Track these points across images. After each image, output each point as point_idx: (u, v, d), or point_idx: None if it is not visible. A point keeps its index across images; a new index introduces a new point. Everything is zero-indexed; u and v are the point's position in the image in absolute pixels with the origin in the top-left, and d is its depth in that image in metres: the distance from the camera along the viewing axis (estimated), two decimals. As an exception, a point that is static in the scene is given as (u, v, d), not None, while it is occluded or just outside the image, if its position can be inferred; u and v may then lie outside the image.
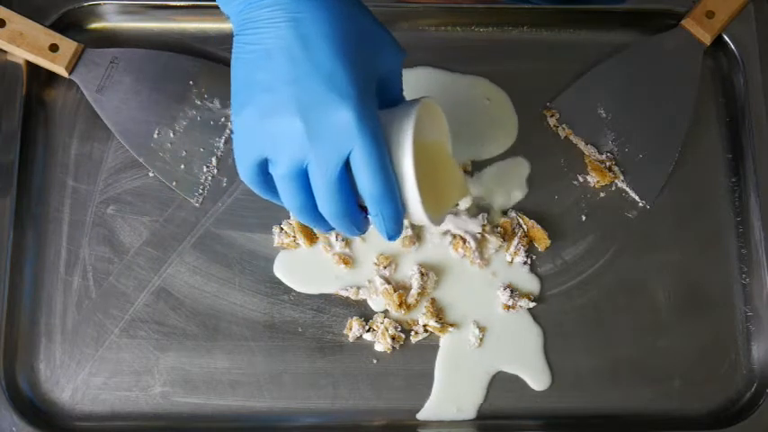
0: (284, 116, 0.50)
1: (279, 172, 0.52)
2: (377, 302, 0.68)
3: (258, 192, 0.55)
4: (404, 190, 0.53)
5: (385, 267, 0.69)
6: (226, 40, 0.72)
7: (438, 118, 0.61)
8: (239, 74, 0.53)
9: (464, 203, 0.69)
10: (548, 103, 0.74)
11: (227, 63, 0.56)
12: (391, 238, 0.55)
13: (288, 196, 0.53)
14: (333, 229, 0.55)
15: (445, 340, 0.68)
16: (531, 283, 0.69)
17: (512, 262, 0.70)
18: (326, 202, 0.52)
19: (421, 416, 0.66)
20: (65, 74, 0.71)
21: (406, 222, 0.55)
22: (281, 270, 0.69)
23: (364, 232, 0.56)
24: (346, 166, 0.51)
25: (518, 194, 0.71)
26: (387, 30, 0.55)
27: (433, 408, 0.66)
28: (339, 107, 0.50)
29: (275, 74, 0.51)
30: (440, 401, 0.66)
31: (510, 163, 0.72)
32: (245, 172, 0.54)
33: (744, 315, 0.69)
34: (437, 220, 0.58)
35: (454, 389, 0.67)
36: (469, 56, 0.74)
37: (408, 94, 0.59)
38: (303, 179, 0.52)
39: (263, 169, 0.54)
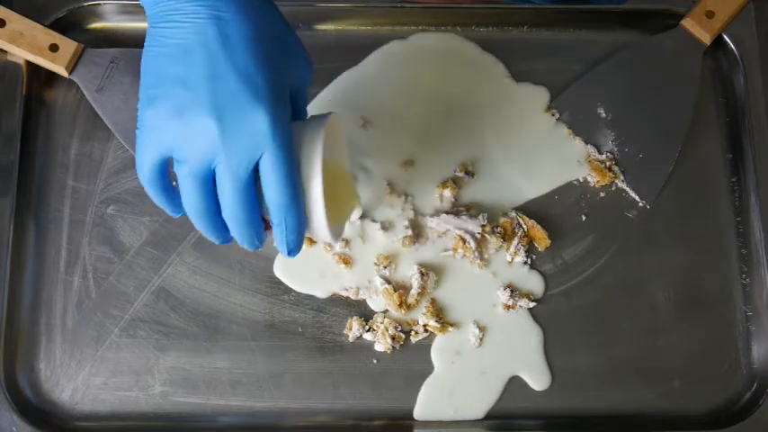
0: (198, 113, 0.49)
1: (185, 171, 0.51)
2: (377, 302, 0.68)
3: (153, 193, 0.54)
4: (309, 203, 0.53)
5: (385, 267, 0.69)
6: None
7: (339, 135, 0.61)
8: (152, 66, 0.52)
9: (355, 215, 0.69)
10: (548, 103, 0.74)
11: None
12: (291, 252, 0.54)
13: (190, 198, 0.52)
14: (230, 239, 0.54)
15: (439, 341, 0.68)
16: (535, 282, 0.69)
17: (512, 262, 0.70)
18: (233, 204, 0.51)
19: (416, 415, 0.66)
20: (65, 74, 0.71)
21: (323, 233, 0.55)
22: (281, 270, 0.69)
23: (261, 245, 0.55)
24: (254, 171, 0.51)
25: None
26: (299, 39, 0.55)
27: (427, 407, 0.66)
28: (255, 109, 0.49)
29: (193, 69, 0.50)
30: (435, 401, 0.67)
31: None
32: (146, 169, 0.52)
33: (744, 315, 0.69)
34: (336, 235, 0.58)
35: (449, 388, 0.67)
36: (469, 56, 0.74)
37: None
38: (209, 181, 0.51)
39: (164, 169, 0.53)
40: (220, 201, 0.52)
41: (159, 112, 0.51)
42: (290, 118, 0.52)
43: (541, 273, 0.70)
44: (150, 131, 0.52)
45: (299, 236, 0.53)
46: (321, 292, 0.69)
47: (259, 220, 0.53)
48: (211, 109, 0.49)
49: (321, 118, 0.56)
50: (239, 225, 0.52)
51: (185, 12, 0.51)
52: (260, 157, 0.50)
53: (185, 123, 0.50)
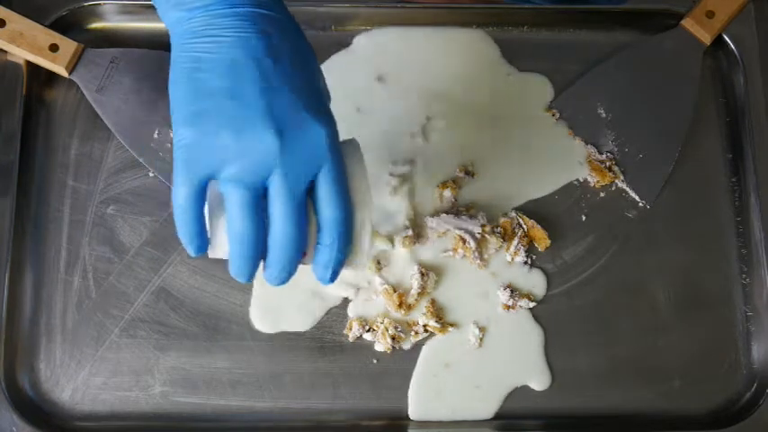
0: (256, 126, 0.47)
1: (236, 192, 0.48)
2: (377, 302, 0.68)
3: (186, 221, 0.50)
4: (355, 225, 0.52)
5: (378, 270, 0.69)
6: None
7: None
8: (190, 83, 0.49)
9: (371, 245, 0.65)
10: (548, 103, 0.74)
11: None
12: (334, 274, 0.51)
13: (238, 218, 0.48)
14: (254, 274, 0.51)
15: (430, 346, 0.68)
16: (538, 281, 0.69)
17: (512, 262, 0.70)
18: (285, 223, 0.48)
19: (412, 414, 0.66)
20: (65, 74, 0.71)
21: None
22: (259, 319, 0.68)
23: (290, 277, 0.51)
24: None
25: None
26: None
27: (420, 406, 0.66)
28: (314, 122, 0.48)
29: (245, 83, 0.48)
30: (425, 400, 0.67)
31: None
32: (186, 192, 0.49)
33: (744, 315, 0.69)
34: (364, 262, 0.55)
35: (436, 387, 0.67)
36: (469, 56, 0.74)
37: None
38: (260, 202, 0.49)
39: (204, 193, 0.50)
40: (271, 222, 0.49)
41: (207, 127, 0.48)
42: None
43: (545, 271, 0.70)
44: (195, 150, 0.48)
45: (345, 257, 0.51)
46: (302, 326, 0.68)
47: (304, 244, 0.51)
48: (271, 122, 0.47)
49: (350, 141, 0.54)
50: (286, 248, 0.49)
51: (224, 26, 0.49)
52: (317, 173, 0.49)
53: (241, 138, 0.47)
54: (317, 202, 0.50)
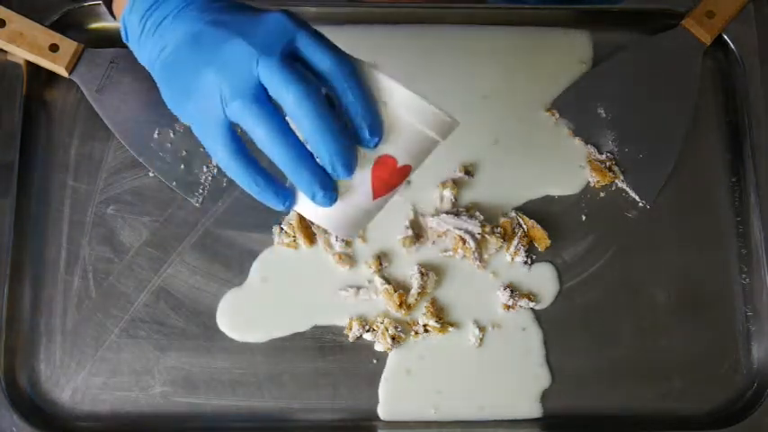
0: (221, 47, 0.48)
1: (244, 108, 0.47)
2: (377, 303, 0.68)
3: (233, 155, 0.49)
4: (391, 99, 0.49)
5: (378, 269, 0.69)
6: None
7: None
8: (165, 68, 0.52)
9: None
10: (548, 103, 0.74)
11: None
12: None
13: (264, 131, 0.47)
14: (333, 184, 0.49)
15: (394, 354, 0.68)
16: (550, 284, 0.69)
17: (512, 262, 0.70)
18: (300, 96, 0.47)
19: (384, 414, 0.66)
20: (65, 74, 0.71)
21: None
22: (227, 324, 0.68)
23: (349, 158, 0.48)
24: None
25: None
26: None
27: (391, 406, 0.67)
28: (269, 12, 0.49)
29: (199, 40, 0.50)
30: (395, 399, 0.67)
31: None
32: (226, 146, 0.49)
33: (744, 315, 0.69)
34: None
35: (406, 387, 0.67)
36: (469, 56, 0.74)
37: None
38: (264, 96, 0.48)
39: (236, 134, 0.49)
40: (294, 120, 0.48)
41: (192, 89, 0.49)
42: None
43: (556, 266, 0.70)
44: (200, 114, 0.49)
45: (377, 123, 0.48)
46: (296, 329, 0.68)
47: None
48: (229, 31, 0.48)
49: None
50: (319, 126, 0.47)
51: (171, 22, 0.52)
52: (295, 44, 0.48)
53: (216, 65, 0.48)
54: (310, 58, 0.48)
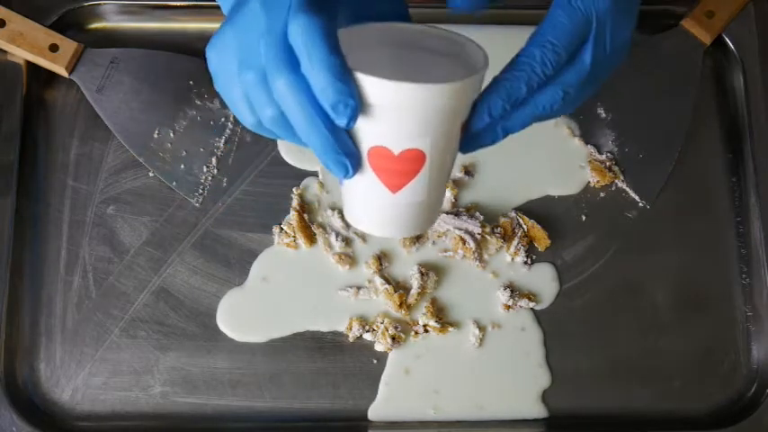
0: (240, 19, 0.44)
1: (272, 79, 0.43)
2: (377, 303, 0.68)
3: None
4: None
5: (378, 269, 0.69)
6: (226, 40, 0.72)
7: None
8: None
9: None
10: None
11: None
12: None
13: (294, 94, 0.43)
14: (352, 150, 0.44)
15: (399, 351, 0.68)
16: (550, 284, 0.69)
17: (512, 262, 0.70)
18: (312, 47, 0.42)
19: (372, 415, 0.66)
20: (65, 74, 0.71)
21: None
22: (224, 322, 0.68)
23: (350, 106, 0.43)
24: None
25: None
26: None
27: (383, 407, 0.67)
28: None
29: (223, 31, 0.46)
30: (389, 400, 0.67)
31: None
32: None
33: (744, 315, 0.69)
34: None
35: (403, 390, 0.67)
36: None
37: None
38: (285, 39, 0.43)
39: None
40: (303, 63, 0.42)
41: (230, 70, 0.45)
42: None
43: (556, 266, 0.70)
44: (250, 88, 0.44)
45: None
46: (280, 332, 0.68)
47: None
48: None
49: None
50: (330, 73, 0.42)
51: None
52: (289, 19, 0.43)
53: (236, 39, 0.44)
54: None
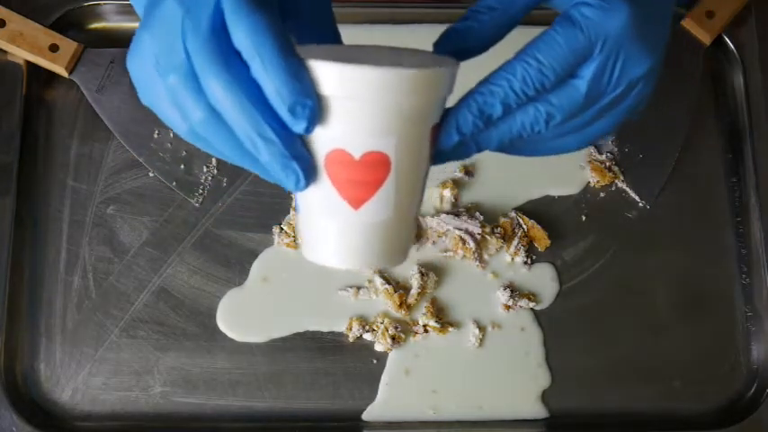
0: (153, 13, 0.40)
1: (208, 74, 0.39)
2: (377, 303, 0.68)
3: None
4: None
5: (378, 269, 0.69)
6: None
7: None
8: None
9: None
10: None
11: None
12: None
13: (226, 83, 0.39)
14: (289, 166, 0.39)
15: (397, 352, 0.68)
16: (550, 284, 0.69)
17: (512, 262, 0.70)
18: (254, 37, 0.38)
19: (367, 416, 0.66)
20: (65, 74, 0.71)
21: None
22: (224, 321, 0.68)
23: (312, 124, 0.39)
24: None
25: None
26: None
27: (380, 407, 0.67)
28: None
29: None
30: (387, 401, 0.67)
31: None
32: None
33: (744, 315, 0.69)
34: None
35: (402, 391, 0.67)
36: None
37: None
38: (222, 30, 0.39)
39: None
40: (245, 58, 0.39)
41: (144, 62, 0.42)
42: None
43: (556, 267, 0.70)
44: (175, 89, 0.41)
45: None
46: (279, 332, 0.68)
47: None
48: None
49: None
50: (278, 68, 0.38)
51: None
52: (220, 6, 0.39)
53: (152, 36, 0.41)
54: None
